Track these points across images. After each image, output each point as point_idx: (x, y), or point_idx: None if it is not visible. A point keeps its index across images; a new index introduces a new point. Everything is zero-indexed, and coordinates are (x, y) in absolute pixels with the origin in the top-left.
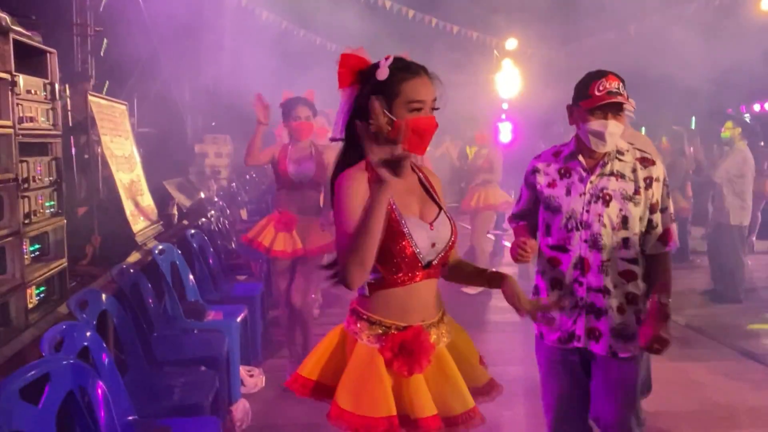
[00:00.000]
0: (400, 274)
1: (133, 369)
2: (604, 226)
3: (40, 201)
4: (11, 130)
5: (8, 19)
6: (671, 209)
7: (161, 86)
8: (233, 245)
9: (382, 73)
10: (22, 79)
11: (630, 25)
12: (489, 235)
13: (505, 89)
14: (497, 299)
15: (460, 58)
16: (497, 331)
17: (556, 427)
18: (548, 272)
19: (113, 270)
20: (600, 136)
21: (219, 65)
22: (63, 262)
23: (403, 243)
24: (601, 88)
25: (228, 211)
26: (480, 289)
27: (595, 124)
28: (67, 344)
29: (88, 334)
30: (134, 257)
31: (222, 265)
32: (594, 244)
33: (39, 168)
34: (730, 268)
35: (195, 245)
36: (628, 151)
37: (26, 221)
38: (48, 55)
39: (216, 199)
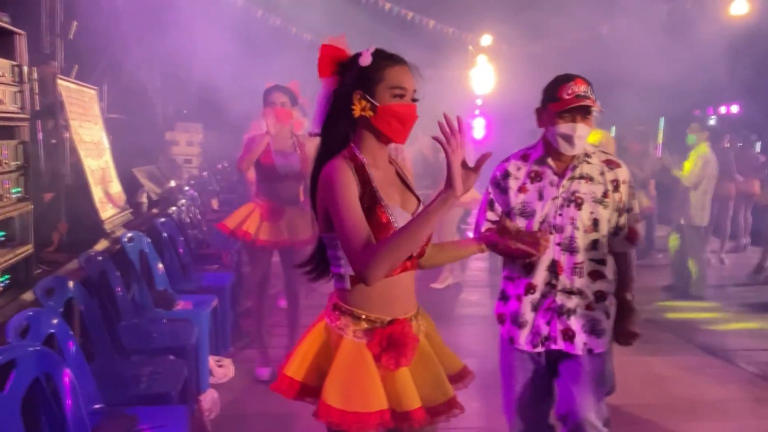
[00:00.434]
0: None
1: (100, 357)
2: (577, 229)
3: (6, 185)
4: None
5: None
6: (636, 209)
7: (132, 72)
8: (203, 235)
9: (366, 60)
10: None
11: (602, 25)
12: (462, 226)
13: (479, 85)
14: (466, 293)
15: (435, 53)
16: (467, 324)
17: (520, 429)
18: (522, 278)
19: (81, 257)
20: (568, 139)
21: (191, 53)
22: (29, 248)
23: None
24: (569, 92)
25: (199, 201)
26: (448, 282)
27: (563, 127)
28: (32, 331)
29: (55, 321)
30: (102, 245)
31: (192, 255)
32: (567, 247)
33: (5, 152)
34: (693, 266)
35: (165, 234)
36: (594, 153)
37: None
38: (17, 36)
39: (187, 188)
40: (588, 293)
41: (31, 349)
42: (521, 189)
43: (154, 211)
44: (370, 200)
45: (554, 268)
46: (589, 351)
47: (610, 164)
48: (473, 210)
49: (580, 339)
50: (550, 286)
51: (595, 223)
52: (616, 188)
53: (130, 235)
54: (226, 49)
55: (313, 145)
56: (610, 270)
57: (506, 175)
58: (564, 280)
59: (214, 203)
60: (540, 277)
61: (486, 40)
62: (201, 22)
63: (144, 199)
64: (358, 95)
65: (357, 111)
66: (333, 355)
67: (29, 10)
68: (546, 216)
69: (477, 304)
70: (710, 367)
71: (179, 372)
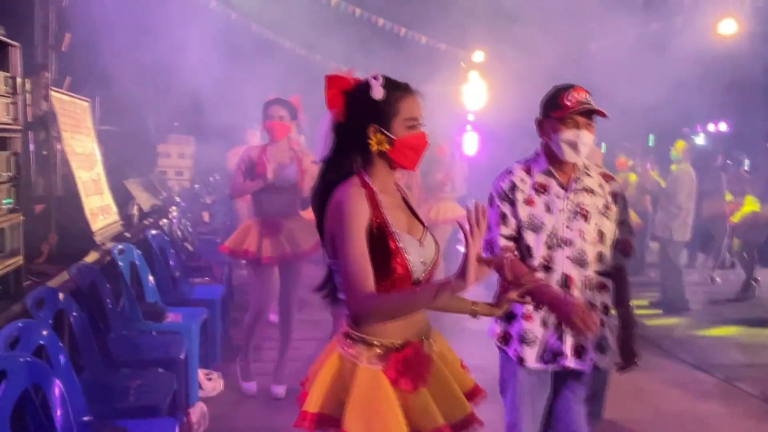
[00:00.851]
0: (395, 290)
1: (89, 369)
2: (586, 241)
3: None
4: None
5: None
6: (629, 221)
7: (124, 84)
8: (194, 247)
9: (378, 93)
10: None
11: (591, 42)
12: (458, 247)
13: (471, 101)
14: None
15: (427, 69)
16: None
17: None
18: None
19: (71, 269)
20: (573, 145)
21: (183, 66)
22: (19, 260)
23: (398, 259)
24: (571, 98)
25: (190, 213)
26: None
27: (568, 134)
28: (22, 342)
29: (45, 332)
30: (92, 256)
31: (182, 267)
32: (577, 260)
33: None
34: (673, 280)
35: (155, 246)
36: (590, 167)
37: None
38: (11, 48)
39: (178, 200)
40: (598, 307)
41: (21, 360)
42: (528, 202)
43: (146, 222)
44: (380, 228)
45: (566, 282)
46: (596, 368)
47: (606, 177)
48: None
49: (589, 356)
50: None
51: (601, 235)
52: (615, 201)
53: (120, 247)
54: (217, 61)
55: (310, 159)
56: (610, 283)
57: (513, 187)
58: (576, 294)
59: (205, 216)
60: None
61: (478, 56)
62: (193, 35)
63: (135, 211)
64: (373, 129)
65: (374, 146)
66: (349, 384)
67: (23, 21)
68: (554, 229)
69: (472, 318)
70: (697, 382)
71: (168, 385)
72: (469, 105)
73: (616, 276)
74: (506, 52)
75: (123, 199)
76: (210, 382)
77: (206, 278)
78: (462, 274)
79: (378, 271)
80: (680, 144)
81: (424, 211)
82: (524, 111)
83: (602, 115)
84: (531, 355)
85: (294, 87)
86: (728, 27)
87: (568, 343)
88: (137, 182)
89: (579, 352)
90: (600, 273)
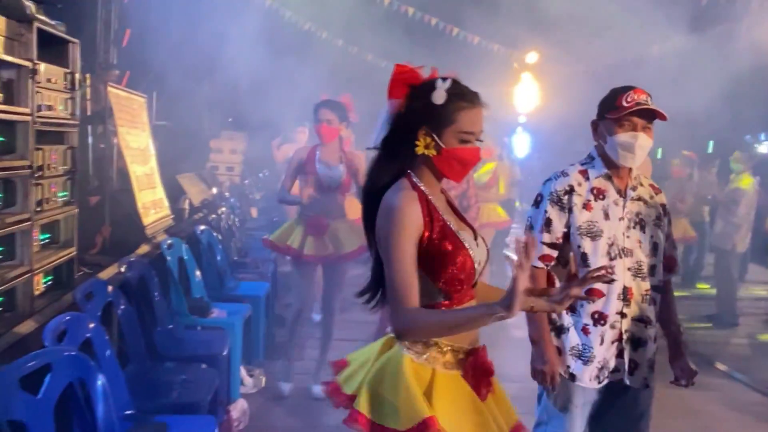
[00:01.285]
0: (461, 292)
1: (134, 362)
2: (643, 252)
3: (53, 189)
4: (29, 118)
5: (33, 7)
6: (673, 237)
7: (180, 80)
8: (241, 243)
9: (439, 97)
10: (43, 68)
11: (652, 45)
12: (506, 251)
13: (522, 102)
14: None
15: (479, 69)
16: (504, 347)
17: None
18: (586, 307)
19: (121, 261)
20: (629, 148)
21: (237, 63)
22: (72, 251)
23: (464, 256)
24: (629, 99)
25: (239, 209)
26: None
27: (624, 136)
28: (69, 335)
29: (92, 325)
30: (143, 249)
31: (229, 263)
32: (637, 272)
33: (54, 156)
34: (727, 292)
35: (204, 241)
36: (640, 176)
37: (38, 209)
38: (70, 45)
39: (227, 195)
40: (654, 322)
41: (66, 354)
42: (586, 206)
43: (195, 217)
44: (440, 227)
45: (625, 295)
46: (646, 385)
47: (654, 189)
48: (508, 231)
49: (642, 372)
50: (621, 315)
51: (655, 247)
52: (665, 213)
53: (169, 241)
54: (270, 59)
55: (362, 159)
56: (659, 298)
57: (569, 191)
58: (635, 308)
59: (254, 212)
60: (612, 306)
61: (532, 57)
62: (247, 32)
63: (186, 206)
64: (424, 131)
65: (420, 148)
66: (430, 389)
67: (85, 17)
68: (614, 237)
69: (513, 326)
70: (753, 404)
71: (210, 381)
72: (521, 106)
73: (664, 292)
74: (561, 54)
75: (175, 193)
76: (252, 379)
77: (252, 275)
78: (508, 303)
79: (445, 271)
80: (737, 154)
81: (470, 214)
82: (578, 114)
83: (662, 117)
84: (586, 374)
85: (345, 85)
86: None
87: (626, 359)
88: (189, 177)
89: (632, 368)
90: (654, 287)
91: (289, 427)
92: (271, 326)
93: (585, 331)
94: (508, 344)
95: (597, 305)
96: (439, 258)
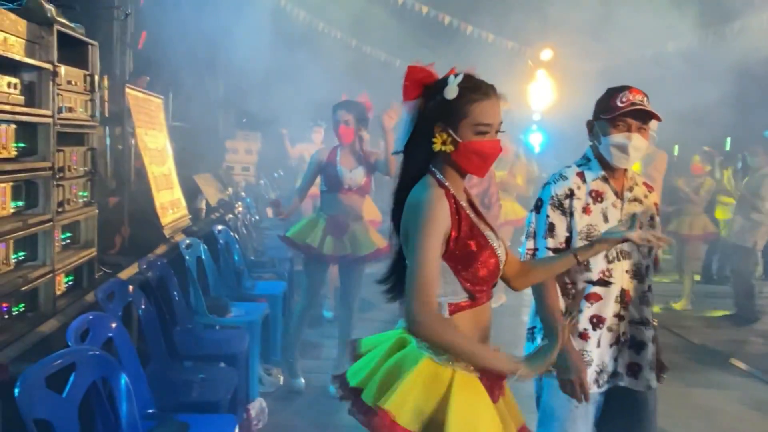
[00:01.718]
0: (483, 291)
1: (155, 362)
2: (641, 254)
3: (74, 190)
4: (50, 120)
5: (53, 10)
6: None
7: (196, 81)
8: (258, 242)
9: (451, 92)
10: (63, 70)
11: (669, 41)
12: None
13: (537, 100)
14: (520, 314)
15: (493, 67)
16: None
17: None
18: (585, 312)
19: (141, 262)
20: (623, 149)
21: (253, 63)
22: (93, 252)
23: (490, 255)
24: (624, 100)
25: (255, 209)
26: (501, 302)
27: (618, 137)
28: (92, 334)
29: (114, 325)
30: (161, 249)
31: (246, 262)
32: (635, 274)
33: (74, 157)
34: (745, 289)
35: (221, 241)
36: (635, 176)
37: (59, 209)
38: (90, 47)
39: (243, 195)
40: (651, 323)
41: (90, 353)
42: (585, 210)
43: (212, 217)
44: (468, 225)
45: (623, 297)
46: (649, 387)
47: (648, 188)
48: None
49: (644, 374)
50: (619, 317)
51: (650, 248)
52: (657, 212)
53: (188, 241)
54: (286, 60)
55: (380, 157)
56: (651, 297)
57: (570, 194)
58: (633, 311)
59: (269, 212)
60: (609, 309)
61: (546, 54)
62: (263, 33)
63: (203, 206)
64: (440, 128)
65: (438, 145)
66: (448, 390)
67: (101, 19)
68: None
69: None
70: None
71: (230, 380)
72: (536, 104)
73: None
74: (576, 50)
75: (191, 193)
76: (270, 378)
77: (269, 274)
78: (531, 365)
79: (472, 270)
80: (755, 148)
81: (493, 212)
82: (593, 111)
83: (656, 118)
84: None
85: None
86: None
87: (624, 363)
88: (206, 177)
89: (634, 371)
90: (649, 287)
91: (307, 425)
92: (288, 325)
93: (583, 336)
94: (509, 344)
95: (595, 309)
96: (466, 257)
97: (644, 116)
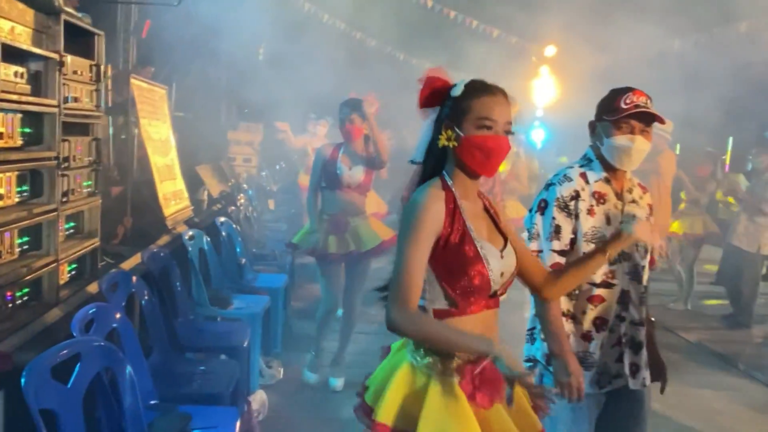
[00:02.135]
0: (471, 301)
1: (157, 353)
2: (640, 255)
3: (78, 180)
4: (56, 109)
5: (61, 0)
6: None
7: (199, 71)
8: (259, 234)
9: (457, 90)
10: (69, 60)
11: (672, 40)
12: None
13: (541, 96)
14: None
15: (497, 62)
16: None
17: None
18: (588, 314)
19: (144, 253)
20: (626, 151)
21: (256, 54)
22: (96, 241)
23: (479, 267)
24: (628, 101)
25: (256, 201)
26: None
27: (621, 139)
28: (96, 325)
29: (118, 316)
30: (163, 240)
31: (248, 255)
32: (634, 275)
33: (79, 148)
34: (747, 293)
35: (223, 233)
36: (632, 177)
37: (64, 199)
38: (96, 37)
39: (245, 186)
40: (644, 322)
41: (95, 344)
42: (590, 212)
43: (214, 208)
44: (460, 232)
45: (624, 298)
46: (644, 385)
47: (643, 189)
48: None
49: (641, 373)
50: (620, 318)
51: (646, 249)
52: (651, 212)
53: (191, 233)
54: (289, 50)
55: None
56: (647, 297)
57: (576, 196)
58: (633, 312)
59: (271, 203)
60: (611, 310)
61: (550, 50)
62: (266, 23)
63: (204, 197)
64: (446, 125)
65: (442, 140)
66: (423, 397)
67: (106, 8)
68: None
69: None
70: None
71: (231, 372)
72: (539, 100)
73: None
74: (581, 47)
75: (194, 184)
76: (270, 370)
77: (270, 267)
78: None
79: (458, 276)
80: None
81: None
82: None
83: (660, 121)
84: (586, 379)
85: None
86: None
87: (627, 363)
88: (208, 168)
89: (633, 371)
90: (645, 288)
91: (307, 418)
92: (288, 318)
93: (586, 337)
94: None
95: (599, 311)
96: (454, 264)
97: (648, 119)
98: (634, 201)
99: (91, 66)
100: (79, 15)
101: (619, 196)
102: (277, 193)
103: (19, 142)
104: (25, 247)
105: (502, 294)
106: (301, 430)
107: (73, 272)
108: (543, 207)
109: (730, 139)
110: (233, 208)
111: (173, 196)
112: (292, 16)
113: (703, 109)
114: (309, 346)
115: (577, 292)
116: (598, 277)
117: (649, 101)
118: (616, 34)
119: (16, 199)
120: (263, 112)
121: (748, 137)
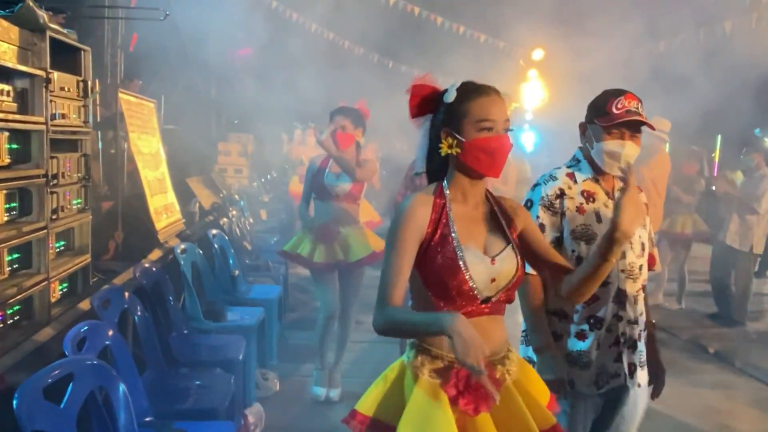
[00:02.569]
0: (457, 306)
1: (151, 369)
2: (634, 253)
3: (68, 197)
4: (44, 127)
5: (46, 17)
6: (653, 234)
7: (188, 84)
8: (252, 246)
9: (450, 96)
10: (56, 76)
11: (659, 41)
12: None
13: (529, 99)
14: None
15: (485, 67)
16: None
17: None
18: (581, 312)
19: (136, 268)
20: (616, 157)
21: (245, 64)
22: (87, 258)
23: (459, 276)
24: (619, 106)
25: (248, 212)
26: None
27: (611, 144)
28: (89, 343)
29: (110, 333)
30: (155, 255)
31: (241, 266)
32: (630, 273)
33: (68, 164)
34: (740, 291)
35: (216, 245)
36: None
37: (54, 217)
38: (82, 52)
39: (237, 197)
40: (640, 321)
41: (88, 363)
42: (579, 210)
43: (206, 220)
44: (442, 237)
45: (620, 297)
46: (639, 385)
47: (636, 188)
48: None
49: (638, 373)
50: (617, 318)
51: (642, 247)
52: (646, 211)
53: (183, 246)
54: (277, 61)
55: (368, 169)
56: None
57: (560, 194)
58: (629, 310)
59: (263, 214)
60: (608, 309)
61: (537, 54)
62: (254, 35)
63: (196, 209)
64: (445, 133)
65: (444, 149)
66: (407, 395)
67: (92, 22)
68: None
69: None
70: None
71: (227, 386)
72: (527, 103)
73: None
74: (568, 50)
75: (185, 196)
76: (266, 383)
77: (264, 278)
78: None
79: (439, 285)
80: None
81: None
82: (585, 111)
83: (650, 127)
84: (583, 379)
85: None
86: None
87: (624, 363)
88: (199, 180)
89: (631, 370)
90: (643, 286)
91: (304, 429)
92: (283, 329)
93: (581, 336)
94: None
95: (593, 309)
96: (434, 269)
97: (638, 124)
98: None
99: (78, 82)
100: (65, 31)
101: (610, 195)
102: (269, 204)
103: (7, 160)
104: (15, 265)
105: (504, 300)
106: None
107: (65, 290)
108: (528, 206)
109: (719, 138)
110: (225, 219)
111: (164, 210)
112: (278, 26)
113: (691, 107)
114: (306, 358)
115: None
116: None
117: (640, 105)
118: (603, 36)
119: (5, 218)
120: (253, 123)
121: (738, 136)
